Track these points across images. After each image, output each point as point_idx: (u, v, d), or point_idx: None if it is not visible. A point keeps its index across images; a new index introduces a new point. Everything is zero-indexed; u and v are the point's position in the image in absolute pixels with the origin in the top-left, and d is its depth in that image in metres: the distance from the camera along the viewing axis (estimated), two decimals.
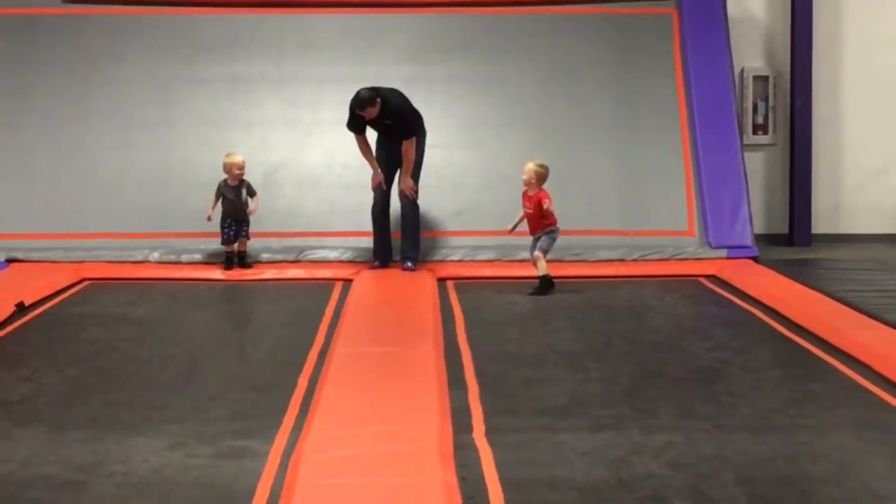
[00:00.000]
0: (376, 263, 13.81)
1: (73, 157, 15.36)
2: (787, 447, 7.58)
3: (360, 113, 13.39)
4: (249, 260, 13.99)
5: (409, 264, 13.64)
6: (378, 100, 13.22)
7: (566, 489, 6.80)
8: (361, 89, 13.29)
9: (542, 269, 13.01)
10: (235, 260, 13.76)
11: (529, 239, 14.81)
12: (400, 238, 13.59)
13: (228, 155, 13.76)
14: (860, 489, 6.83)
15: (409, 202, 13.71)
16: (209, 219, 13.75)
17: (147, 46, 16.09)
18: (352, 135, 13.60)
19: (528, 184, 13.06)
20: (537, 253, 13.03)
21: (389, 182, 13.77)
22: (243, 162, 13.58)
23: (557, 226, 13.34)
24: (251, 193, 13.61)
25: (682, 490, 6.75)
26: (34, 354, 10.16)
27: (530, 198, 13.06)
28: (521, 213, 13.26)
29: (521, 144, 15.51)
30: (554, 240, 13.34)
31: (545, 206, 12.97)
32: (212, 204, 13.70)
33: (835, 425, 8.12)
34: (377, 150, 13.76)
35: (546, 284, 13.03)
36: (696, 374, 9.60)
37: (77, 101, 15.77)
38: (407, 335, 10.46)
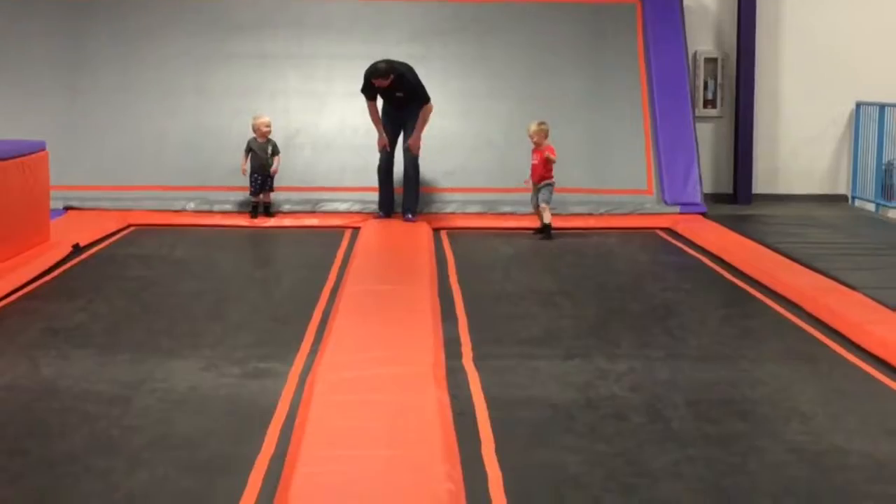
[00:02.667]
0: (380, 213, 13.70)
1: (122, 121, 15.35)
2: (728, 374, 7.64)
3: (374, 82, 13.26)
4: (273, 209, 13.78)
5: (410, 216, 13.52)
6: (392, 74, 13.18)
7: (541, 407, 6.85)
8: (379, 61, 13.25)
9: (548, 217, 13.16)
10: (261, 209, 13.50)
11: (513, 196, 14.93)
12: (402, 193, 13.40)
13: (256, 116, 13.59)
14: (790, 409, 6.90)
15: (412, 162, 13.56)
16: (244, 172, 13.61)
17: (186, 27, 16.06)
18: (363, 101, 13.48)
19: (537, 142, 13.32)
20: (543, 204, 13.18)
21: (393, 145, 13.65)
22: (269, 121, 13.40)
23: (553, 180, 13.44)
24: (275, 152, 13.34)
25: (640, 409, 6.81)
26: (87, 288, 10.17)
27: (538, 152, 13.31)
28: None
29: (505, 114, 15.50)
30: (552, 192, 13.43)
31: (551, 158, 13.20)
32: (243, 159, 13.50)
33: (769, 356, 8.16)
34: (383, 117, 13.59)
35: (549, 230, 13.15)
36: (653, 312, 9.63)
37: (126, 72, 15.74)
38: (406, 276, 10.49)
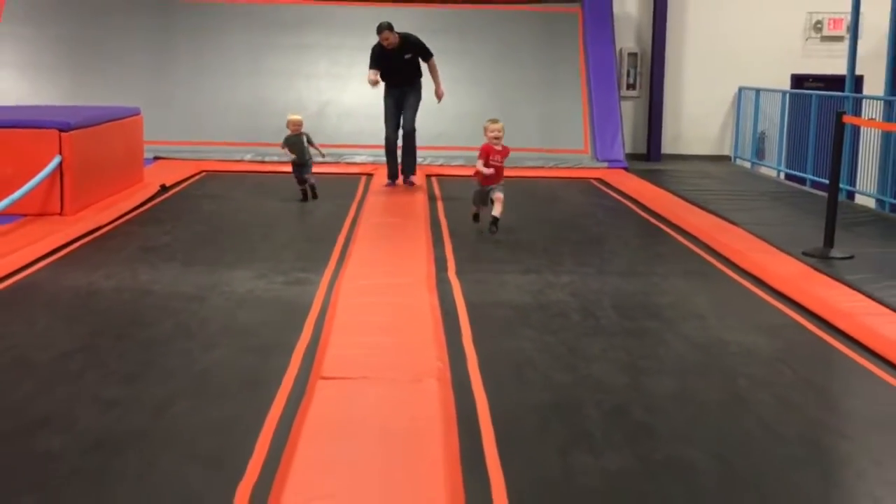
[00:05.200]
0: (389, 183, 12.10)
1: (197, 94, 15.39)
2: (643, 286, 7.69)
3: (380, 36, 11.48)
4: (316, 190, 11.53)
5: (411, 178, 12.33)
6: (395, 31, 11.50)
7: (506, 308, 6.89)
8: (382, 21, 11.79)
9: (500, 211, 9.36)
10: (309, 193, 11.41)
11: None
12: (403, 161, 12.15)
13: (290, 115, 11.62)
14: (688, 312, 6.94)
15: (410, 136, 11.92)
16: (282, 148, 11.69)
17: (243, 23, 16.09)
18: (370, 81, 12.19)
19: (498, 139, 9.38)
20: (500, 194, 9.36)
21: (396, 125, 11.89)
22: (300, 120, 11.51)
23: None
24: (310, 142, 11.56)
25: (577, 310, 6.84)
26: (171, 218, 10.15)
27: (501, 151, 9.45)
28: (481, 167, 9.34)
29: (479, 94, 15.53)
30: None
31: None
32: (282, 149, 11.58)
33: (673, 273, 8.19)
34: (386, 99, 11.92)
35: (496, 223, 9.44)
36: (588, 240, 9.65)
37: (199, 57, 15.79)
38: (407, 213, 10.47)
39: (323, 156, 11.70)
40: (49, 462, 4.20)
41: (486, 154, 9.29)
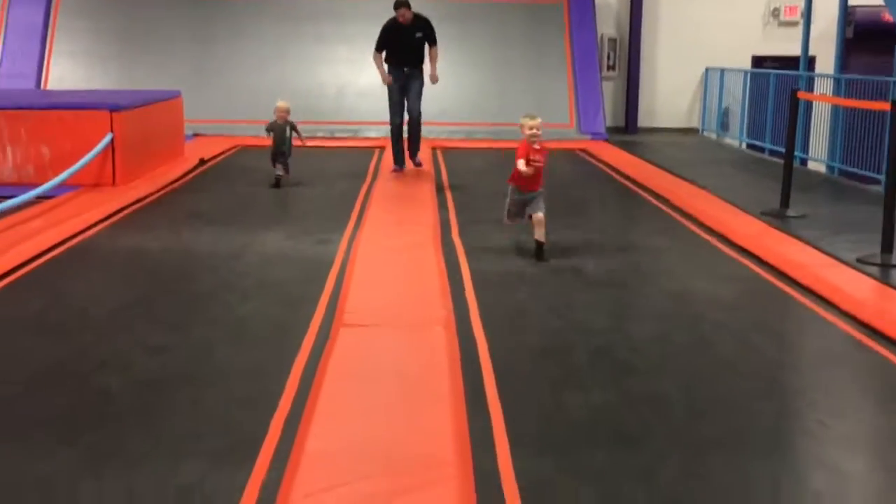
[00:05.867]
0: (396, 168, 10.95)
1: (230, 78, 15.29)
2: (623, 243, 7.68)
3: (398, 11, 10.51)
4: (283, 183, 10.00)
5: (419, 160, 11.15)
6: (412, 10, 10.53)
7: (503, 264, 6.89)
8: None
9: (544, 236, 6.97)
10: (282, 179, 10.02)
11: (483, 128, 14.65)
12: (409, 143, 11.12)
13: (278, 102, 10.25)
14: (661, 265, 6.97)
15: (416, 121, 10.90)
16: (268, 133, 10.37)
17: (271, 16, 15.98)
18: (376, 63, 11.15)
19: (537, 137, 7.04)
20: (540, 214, 6.95)
21: (402, 112, 10.85)
22: (286, 107, 10.13)
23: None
24: (295, 129, 10.17)
25: (567, 267, 6.84)
26: (210, 187, 10.12)
27: (541, 150, 7.09)
28: (522, 167, 6.90)
29: (477, 76, 15.50)
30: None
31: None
32: (266, 135, 10.30)
33: (649, 232, 8.20)
34: (394, 92, 10.78)
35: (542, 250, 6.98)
36: (571, 204, 9.58)
37: (232, 47, 15.72)
38: (415, 181, 10.44)
39: (304, 143, 10.42)
40: (107, 400, 4.24)
41: (524, 153, 6.94)
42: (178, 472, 3.49)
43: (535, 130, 7.03)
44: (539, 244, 6.98)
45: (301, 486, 3.21)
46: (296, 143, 10.22)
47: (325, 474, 3.29)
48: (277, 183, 9.99)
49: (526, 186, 7.05)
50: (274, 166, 10.07)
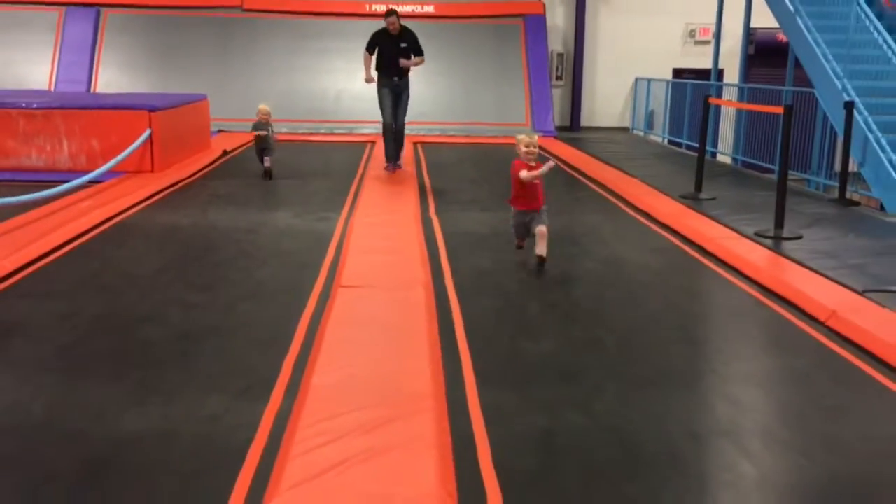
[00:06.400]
0: (389, 166, 10.13)
1: (248, 85, 15.08)
2: (567, 221, 7.66)
3: (388, 20, 9.65)
4: (271, 175, 9.50)
5: (399, 163, 10.22)
6: (400, 21, 9.69)
7: (470, 235, 6.89)
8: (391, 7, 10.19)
9: (545, 250, 5.69)
10: (271, 171, 9.52)
11: (457, 127, 14.66)
12: (396, 146, 10.17)
13: (260, 105, 9.66)
14: (598, 239, 6.96)
15: (401, 129, 10.06)
16: (253, 134, 9.78)
17: (284, 33, 15.81)
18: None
19: (532, 154, 5.83)
20: (543, 227, 5.72)
21: (395, 117, 9.94)
22: (267, 110, 9.57)
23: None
24: (272, 131, 9.58)
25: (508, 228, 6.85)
26: (233, 174, 10.00)
27: (537, 167, 5.82)
28: (525, 175, 5.78)
29: (449, 84, 15.38)
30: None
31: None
32: (252, 131, 9.73)
33: (589, 211, 8.20)
34: (382, 90, 9.89)
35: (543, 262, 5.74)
36: None
37: (249, 59, 15.56)
38: (401, 171, 10.34)
39: (277, 138, 9.78)
40: (149, 347, 4.22)
41: (516, 173, 5.81)
42: (206, 405, 3.49)
43: (531, 148, 5.76)
44: (540, 259, 5.60)
45: (308, 416, 3.22)
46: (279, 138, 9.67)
47: (328, 406, 3.30)
48: (268, 174, 9.47)
49: (527, 206, 5.78)
50: (261, 161, 9.54)
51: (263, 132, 9.57)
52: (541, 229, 5.70)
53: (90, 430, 3.26)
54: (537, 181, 5.79)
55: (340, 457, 2.85)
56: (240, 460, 3.00)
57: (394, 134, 10.04)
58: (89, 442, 3.16)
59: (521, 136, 5.88)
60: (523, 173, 5.66)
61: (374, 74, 9.87)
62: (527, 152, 5.78)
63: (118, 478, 2.90)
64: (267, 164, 9.56)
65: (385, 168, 10.16)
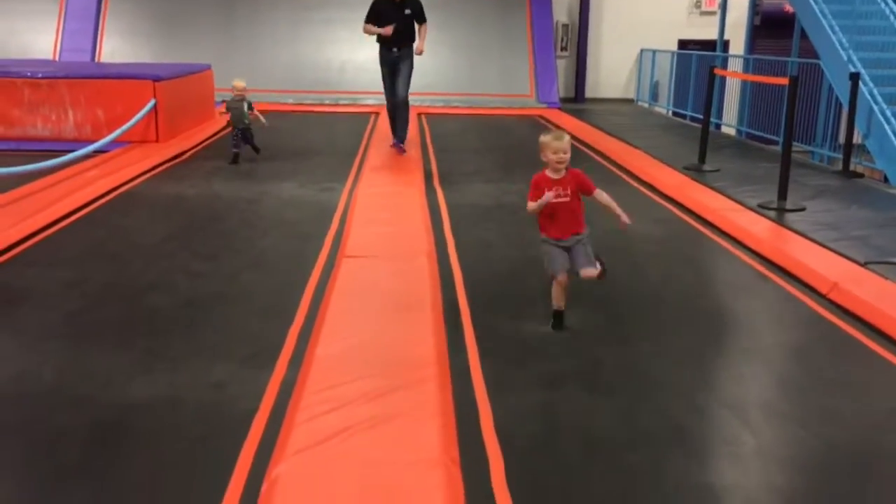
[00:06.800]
0: (394, 142, 9.25)
1: (252, 54, 14.99)
2: None
3: None
4: (259, 150, 8.81)
5: (402, 144, 9.17)
6: None
7: (474, 207, 6.89)
8: None
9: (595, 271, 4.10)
10: (239, 159, 8.55)
11: (459, 98, 14.75)
12: (396, 125, 9.24)
13: (234, 81, 8.75)
14: (601, 208, 6.95)
15: (404, 103, 9.03)
16: (222, 113, 9.42)
17: (286, 2, 15.69)
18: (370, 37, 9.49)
19: (562, 163, 4.08)
20: (592, 272, 4.08)
21: (394, 91, 8.96)
22: (242, 86, 8.61)
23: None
24: (250, 108, 8.54)
25: (523, 207, 6.78)
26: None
27: (565, 181, 4.08)
28: (534, 207, 4.08)
29: (455, 55, 15.21)
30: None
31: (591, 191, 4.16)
32: (222, 110, 8.93)
33: (592, 182, 8.17)
34: (382, 67, 9.05)
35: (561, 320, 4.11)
36: (532, 160, 9.48)
37: (253, 29, 15.46)
38: (405, 142, 10.33)
39: (265, 124, 8.71)
40: (155, 314, 4.25)
41: (536, 189, 4.09)
42: (212, 373, 3.51)
43: (560, 155, 4.04)
44: (595, 276, 4.06)
45: (313, 384, 3.24)
46: (253, 118, 8.64)
47: (333, 374, 3.32)
48: (235, 159, 8.51)
49: (561, 233, 4.07)
50: (235, 148, 8.55)
51: (234, 113, 8.51)
52: (588, 273, 4.03)
53: (98, 396, 3.29)
54: (566, 197, 4.01)
55: (345, 424, 2.87)
56: (246, 426, 3.03)
57: (394, 109, 9.09)
58: (98, 408, 3.19)
59: (547, 139, 4.10)
60: (531, 205, 4.07)
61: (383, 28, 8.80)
62: (556, 160, 4.04)
63: (127, 443, 2.94)
64: (242, 149, 8.56)
65: (391, 145, 9.29)
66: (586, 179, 4.17)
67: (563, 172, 4.11)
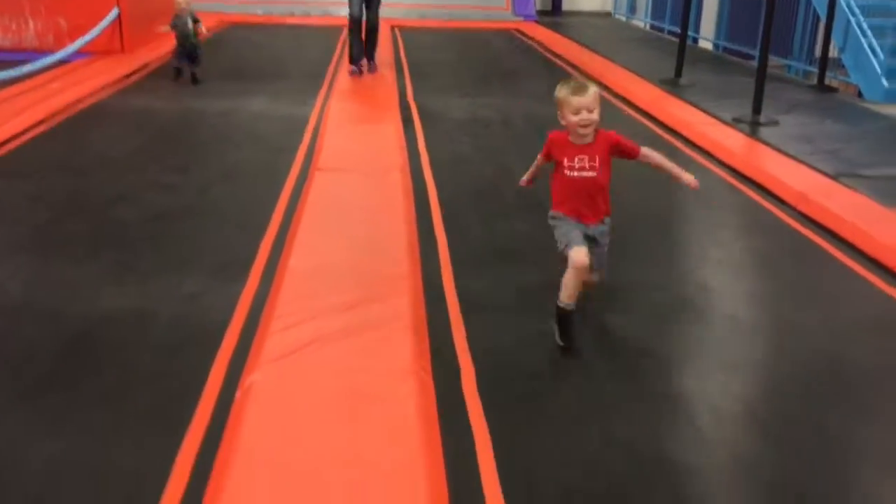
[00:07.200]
0: (353, 69, 8.31)
1: None
2: (546, 106, 7.48)
3: None
4: (199, 80, 7.93)
5: (375, 65, 8.57)
6: None
7: (450, 121, 6.79)
8: None
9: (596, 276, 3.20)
10: (185, 74, 7.95)
11: (434, 10, 14.42)
12: (366, 42, 8.39)
13: None
14: None
15: (375, 31, 8.39)
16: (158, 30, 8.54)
17: None
18: None
19: (588, 126, 2.99)
20: (596, 276, 3.19)
21: (361, 4, 8.07)
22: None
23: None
24: (195, 21, 7.81)
25: (499, 122, 6.79)
26: (205, 56, 9.60)
27: (592, 148, 3.04)
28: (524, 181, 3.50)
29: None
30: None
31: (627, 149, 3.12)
32: (165, 29, 7.92)
33: None
34: None
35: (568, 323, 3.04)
36: (508, 73, 9.43)
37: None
38: (378, 56, 10.03)
39: (204, 33, 8.03)
40: (125, 227, 4.19)
41: (547, 151, 3.23)
42: (184, 285, 3.49)
43: (584, 115, 3.03)
44: (589, 285, 3.22)
45: (286, 296, 3.23)
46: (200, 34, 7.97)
47: (306, 287, 3.31)
48: (178, 74, 7.94)
49: (579, 213, 3.13)
50: (178, 63, 7.91)
51: (178, 30, 7.80)
52: (592, 278, 3.23)
53: (68, 308, 3.26)
54: (592, 172, 3.06)
55: (319, 333, 2.88)
56: (219, 337, 3.03)
57: (364, 31, 8.30)
58: (68, 320, 3.16)
59: (564, 93, 3.09)
60: (523, 180, 3.46)
61: None
62: (578, 123, 3.03)
63: (98, 354, 2.93)
64: (190, 70, 7.89)
65: (350, 72, 8.31)
66: (625, 142, 3.11)
67: (589, 137, 3.04)
